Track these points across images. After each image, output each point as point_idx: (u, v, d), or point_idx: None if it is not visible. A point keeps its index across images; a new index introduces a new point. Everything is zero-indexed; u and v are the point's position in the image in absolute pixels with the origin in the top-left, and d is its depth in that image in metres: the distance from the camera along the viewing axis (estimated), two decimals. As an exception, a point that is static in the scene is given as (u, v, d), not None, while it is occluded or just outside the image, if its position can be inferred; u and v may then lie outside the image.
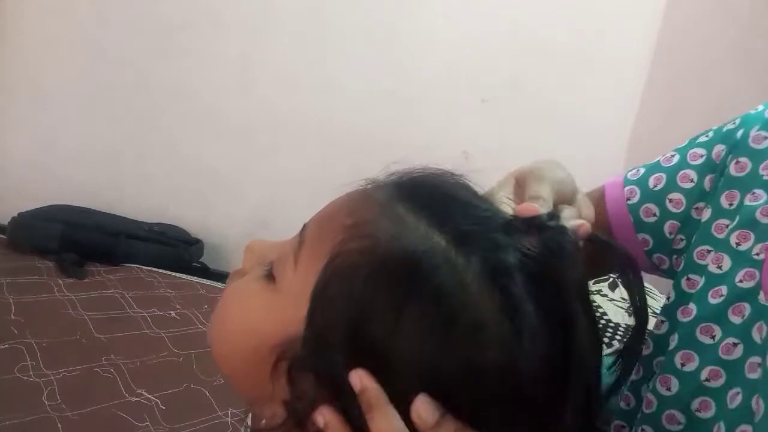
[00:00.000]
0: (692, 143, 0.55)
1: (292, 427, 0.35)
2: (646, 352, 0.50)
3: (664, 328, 0.49)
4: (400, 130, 2.09)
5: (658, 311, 0.52)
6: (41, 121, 2.12)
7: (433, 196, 0.37)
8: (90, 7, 2.04)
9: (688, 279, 0.48)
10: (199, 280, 1.95)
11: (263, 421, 0.37)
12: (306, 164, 2.16)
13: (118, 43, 2.07)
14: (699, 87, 1.82)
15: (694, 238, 0.49)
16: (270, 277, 0.38)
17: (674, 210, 0.52)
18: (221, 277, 2.11)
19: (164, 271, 1.93)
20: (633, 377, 0.50)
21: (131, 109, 2.12)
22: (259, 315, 0.38)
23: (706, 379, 0.43)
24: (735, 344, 0.43)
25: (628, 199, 0.54)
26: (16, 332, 1.34)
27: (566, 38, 2.02)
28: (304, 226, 0.40)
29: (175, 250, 2.04)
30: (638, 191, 0.54)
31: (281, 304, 0.37)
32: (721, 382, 0.43)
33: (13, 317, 1.41)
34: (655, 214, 0.53)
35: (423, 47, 2.07)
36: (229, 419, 1.22)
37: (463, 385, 0.32)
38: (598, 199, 0.56)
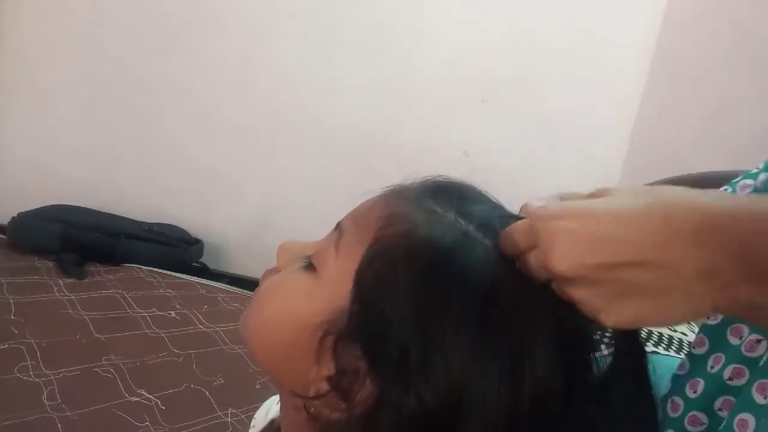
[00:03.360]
0: (744, 176, 0.56)
1: (336, 401, 0.36)
2: (681, 372, 0.50)
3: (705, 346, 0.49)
4: (400, 130, 2.09)
5: None
6: (41, 121, 2.12)
7: (455, 195, 0.42)
8: (90, 7, 2.04)
9: None
10: (199, 280, 1.95)
11: (311, 397, 0.38)
12: (306, 164, 2.16)
13: (118, 43, 2.07)
14: (699, 87, 1.82)
15: None
16: (309, 267, 0.42)
17: None
18: (221, 277, 2.11)
19: (164, 271, 1.93)
20: (665, 391, 0.50)
21: (131, 109, 2.12)
22: (302, 298, 0.40)
23: (729, 378, 0.44)
24: (758, 341, 0.43)
25: None
26: (16, 332, 1.34)
27: (566, 38, 2.02)
28: (339, 223, 0.43)
29: (175, 250, 2.04)
30: None
31: (324, 287, 0.40)
32: (743, 380, 0.43)
33: (13, 317, 1.41)
34: None
35: (423, 47, 2.07)
36: (229, 419, 1.22)
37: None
38: None
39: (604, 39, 2.04)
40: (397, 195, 0.42)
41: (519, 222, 0.37)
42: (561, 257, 0.33)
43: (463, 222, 0.39)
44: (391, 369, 0.35)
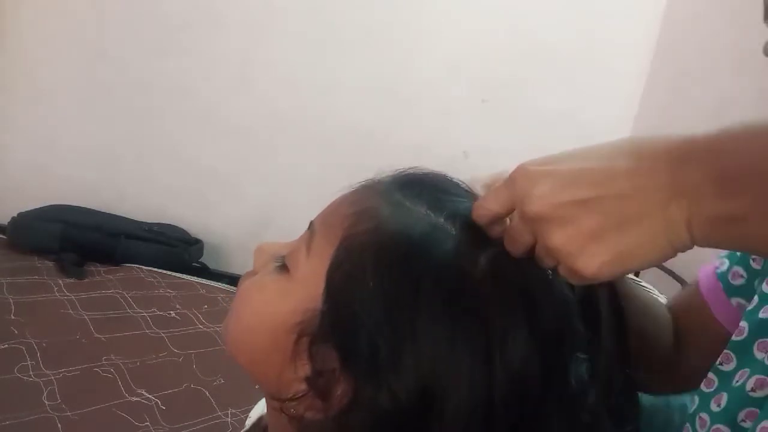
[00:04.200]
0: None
1: (314, 401, 0.37)
2: (708, 388, 0.49)
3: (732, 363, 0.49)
4: (400, 129, 2.10)
5: None
6: (41, 121, 2.12)
7: (425, 186, 0.41)
8: (90, 7, 2.04)
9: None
10: (199, 280, 1.95)
11: (289, 395, 0.38)
12: (306, 164, 2.16)
13: (118, 43, 2.07)
14: (699, 87, 1.82)
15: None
16: (283, 268, 0.41)
17: (757, 267, 0.52)
18: (221, 277, 2.11)
19: (164, 271, 1.93)
20: (692, 408, 0.50)
21: (131, 109, 2.12)
22: (276, 300, 0.40)
23: (752, 389, 0.44)
24: None
25: (717, 268, 0.55)
26: (16, 332, 1.34)
27: (566, 38, 2.02)
28: (311, 222, 0.43)
29: (175, 250, 2.04)
30: (726, 260, 0.55)
31: (297, 287, 0.40)
32: (767, 391, 0.43)
33: (13, 317, 1.41)
34: (742, 276, 0.53)
35: (423, 47, 2.07)
36: (229, 419, 1.22)
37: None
38: (694, 286, 0.57)
39: (604, 39, 2.04)
40: (365, 190, 0.42)
41: (494, 186, 0.37)
42: (537, 197, 0.33)
43: (432, 214, 0.38)
44: (363, 367, 0.35)
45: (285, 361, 0.38)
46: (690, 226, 0.31)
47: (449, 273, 0.36)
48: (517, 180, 0.35)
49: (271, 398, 0.42)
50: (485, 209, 0.37)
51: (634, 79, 2.05)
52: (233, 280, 2.08)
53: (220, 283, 1.97)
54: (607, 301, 0.40)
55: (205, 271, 2.12)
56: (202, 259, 2.17)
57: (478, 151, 2.05)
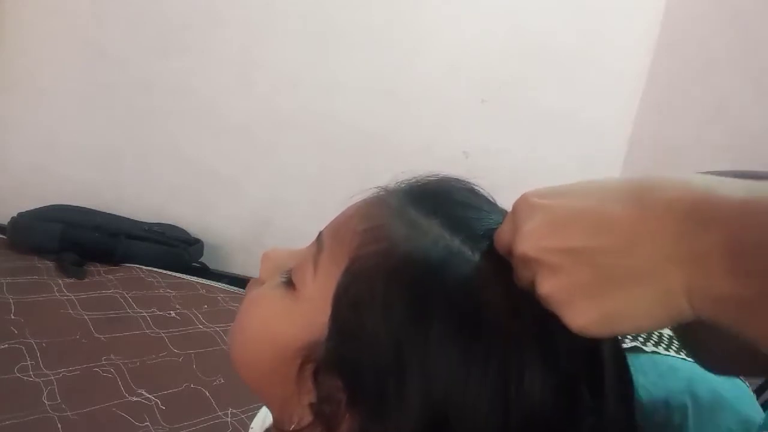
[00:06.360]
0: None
1: (319, 430, 0.35)
2: None
3: None
4: (400, 129, 2.10)
5: None
6: (41, 121, 2.12)
7: (441, 200, 0.38)
8: (90, 7, 2.04)
9: None
10: (199, 280, 1.95)
11: (292, 426, 0.37)
12: (306, 164, 2.16)
13: (118, 43, 2.06)
14: (699, 87, 1.82)
15: None
16: (289, 284, 0.39)
17: None
18: (221, 277, 2.11)
19: (164, 271, 1.93)
20: (760, 422, 0.48)
21: (131, 109, 2.12)
22: (281, 321, 0.38)
23: None
24: None
25: None
26: (16, 332, 1.34)
27: (566, 38, 2.02)
28: (320, 233, 0.40)
29: (175, 250, 2.04)
30: None
31: (303, 310, 0.37)
32: None
33: (13, 317, 1.41)
34: None
35: (423, 47, 2.07)
36: (229, 419, 1.22)
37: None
38: None
39: (604, 39, 2.04)
40: (377, 203, 0.39)
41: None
42: (526, 235, 0.31)
43: (448, 236, 0.35)
44: (370, 405, 0.33)
45: (289, 383, 0.36)
46: (691, 299, 0.27)
47: (465, 305, 0.33)
48: (515, 210, 0.33)
49: (276, 428, 0.40)
50: (498, 238, 0.34)
51: (634, 79, 2.05)
52: (233, 280, 2.08)
53: (220, 283, 1.97)
54: (610, 353, 0.36)
55: (205, 271, 2.12)
56: (202, 259, 2.17)
57: (478, 151, 2.05)
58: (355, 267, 0.36)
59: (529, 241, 0.30)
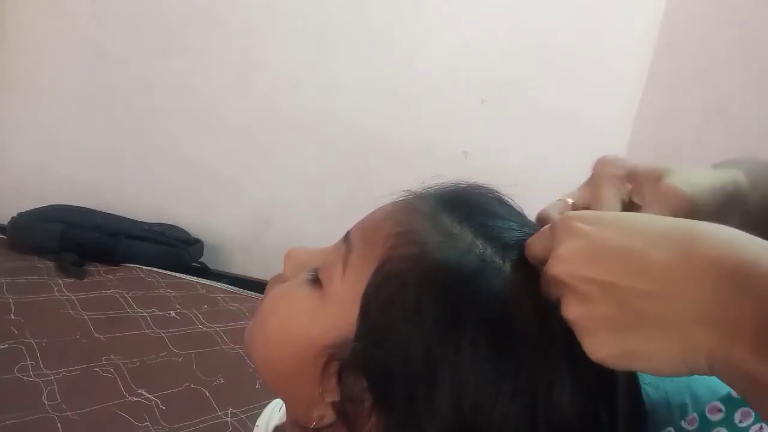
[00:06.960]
0: None
1: (341, 428, 0.35)
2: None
3: None
4: (400, 129, 2.09)
5: None
6: (41, 121, 2.12)
7: (473, 208, 0.38)
8: (90, 7, 2.04)
9: None
10: (199, 280, 1.95)
11: (313, 424, 0.37)
12: (306, 164, 2.16)
13: (118, 43, 2.07)
14: (699, 87, 1.82)
15: None
16: (315, 282, 0.39)
17: None
18: (221, 277, 2.11)
19: (164, 271, 1.93)
20: None
21: (131, 109, 2.12)
22: (307, 318, 0.38)
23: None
24: None
25: None
26: (16, 332, 1.34)
27: (566, 38, 2.02)
28: (348, 234, 0.41)
29: (175, 250, 2.04)
30: None
31: (330, 308, 0.38)
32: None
33: (13, 317, 1.41)
34: None
35: (423, 47, 2.07)
36: (229, 419, 1.22)
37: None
38: None
39: (604, 39, 2.04)
40: (410, 208, 0.39)
41: (546, 227, 0.35)
42: (561, 258, 0.31)
43: (481, 245, 0.35)
44: (399, 409, 0.33)
45: (311, 382, 0.36)
46: (711, 361, 0.27)
47: (497, 316, 0.33)
48: (555, 229, 0.33)
49: (295, 424, 0.40)
50: (530, 251, 0.35)
51: (634, 79, 2.05)
52: (233, 280, 2.08)
53: (220, 283, 1.97)
54: (625, 380, 0.36)
55: (205, 271, 2.12)
56: (202, 259, 2.17)
57: (478, 151, 2.05)
58: (386, 269, 0.36)
59: (563, 264, 0.31)
